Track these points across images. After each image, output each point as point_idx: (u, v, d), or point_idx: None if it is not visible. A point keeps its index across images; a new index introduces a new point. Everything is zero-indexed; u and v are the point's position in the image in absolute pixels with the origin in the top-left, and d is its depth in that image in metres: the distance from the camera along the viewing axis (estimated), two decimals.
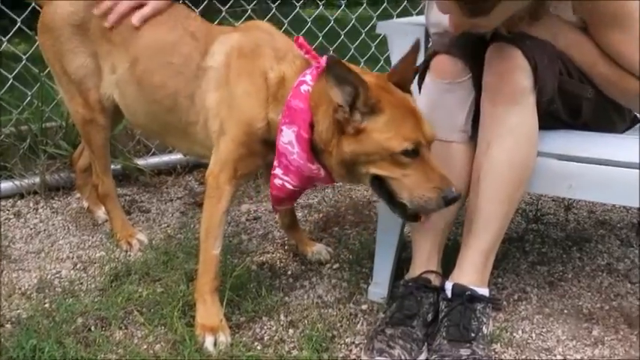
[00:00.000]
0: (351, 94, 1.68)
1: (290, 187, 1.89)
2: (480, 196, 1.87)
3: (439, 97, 1.93)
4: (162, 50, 2.13)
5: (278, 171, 1.87)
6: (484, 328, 1.82)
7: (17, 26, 2.87)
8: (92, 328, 1.97)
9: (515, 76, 1.79)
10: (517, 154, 1.83)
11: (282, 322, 2.04)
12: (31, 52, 2.94)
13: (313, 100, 1.78)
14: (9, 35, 3.00)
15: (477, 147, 1.88)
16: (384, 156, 1.70)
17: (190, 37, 2.11)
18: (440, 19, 1.98)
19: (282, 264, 2.42)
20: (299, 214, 2.74)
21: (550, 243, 2.58)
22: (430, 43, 2.24)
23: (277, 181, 1.88)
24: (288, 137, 1.81)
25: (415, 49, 1.80)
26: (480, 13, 1.66)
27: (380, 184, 1.76)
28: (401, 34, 2.12)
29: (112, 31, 2.20)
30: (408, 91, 1.83)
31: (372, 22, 3.99)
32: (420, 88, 2.01)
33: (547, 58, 1.83)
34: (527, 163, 1.85)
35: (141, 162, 3.17)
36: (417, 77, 2.01)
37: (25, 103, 3.05)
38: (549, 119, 1.86)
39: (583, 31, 1.90)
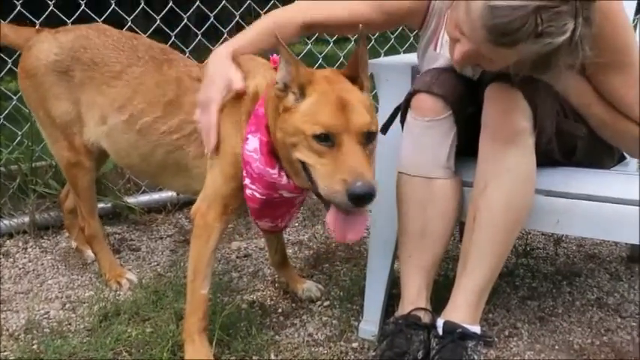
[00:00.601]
0: (289, 73, 1.70)
1: (258, 195, 1.87)
2: (475, 235, 1.87)
3: (421, 134, 1.95)
4: (172, 101, 2.12)
5: (247, 181, 1.87)
6: None
7: (8, 67, 2.88)
8: None
9: (515, 117, 1.80)
10: (515, 196, 1.84)
11: None
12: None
13: (266, 101, 1.82)
14: (1, 74, 3.01)
15: (474, 185, 1.89)
16: (301, 139, 1.66)
17: (188, 77, 2.13)
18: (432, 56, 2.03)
19: (272, 302, 2.41)
20: (289, 251, 2.74)
21: (540, 277, 2.58)
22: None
23: (248, 192, 1.88)
24: (253, 145, 1.82)
25: (363, 42, 1.79)
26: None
27: (308, 172, 1.71)
28: (388, 73, 2.15)
29: (102, 81, 2.21)
30: (361, 85, 1.78)
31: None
32: (402, 126, 2.02)
33: (546, 99, 1.85)
34: (524, 204, 1.86)
35: (131, 200, 3.18)
36: (399, 115, 2.04)
37: (15, 143, 3.06)
38: (542, 158, 1.88)
39: (579, 73, 1.92)
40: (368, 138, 1.67)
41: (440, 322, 1.87)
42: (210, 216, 1.96)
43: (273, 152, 1.81)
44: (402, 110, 2.01)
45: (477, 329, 1.88)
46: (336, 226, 1.66)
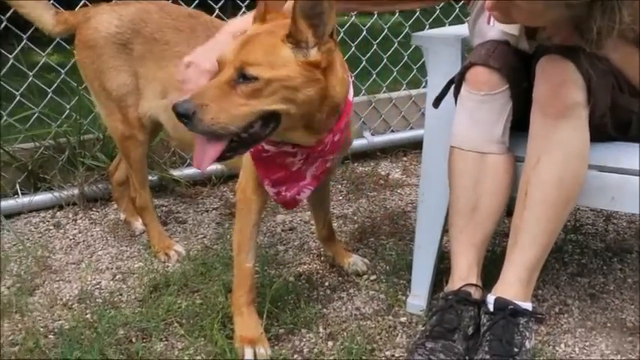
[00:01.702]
0: None
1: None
2: (527, 211, 1.84)
3: (475, 108, 1.91)
4: None
5: None
6: (527, 342, 1.79)
7: (56, 41, 2.90)
8: (133, 340, 1.99)
9: (568, 90, 1.76)
10: (567, 171, 1.80)
11: (321, 335, 2.04)
12: (70, 65, 2.98)
13: None
14: (49, 49, 3.04)
15: (526, 161, 1.86)
16: None
17: None
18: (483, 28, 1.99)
19: (319, 275, 2.42)
20: (334, 225, 2.74)
21: (590, 254, 2.54)
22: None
23: None
24: None
25: None
26: None
27: None
28: (437, 46, 2.11)
29: (163, 57, 2.24)
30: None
31: (405, 31, 3.97)
32: (455, 100, 2.00)
33: (601, 73, 1.81)
34: (577, 180, 1.82)
35: (177, 173, 3.20)
36: (452, 88, 2.01)
37: (63, 116, 3.10)
38: (595, 132, 1.83)
39: (636, 46, 1.87)
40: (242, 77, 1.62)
41: (491, 299, 1.86)
42: (249, 190, 1.99)
43: None
44: (455, 83, 1.98)
45: (528, 306, 1.86)
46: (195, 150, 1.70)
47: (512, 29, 1.96)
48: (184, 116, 1.59)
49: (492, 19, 1.97)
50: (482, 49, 1.93)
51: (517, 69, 1.90)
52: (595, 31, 1.63)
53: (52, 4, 2.53)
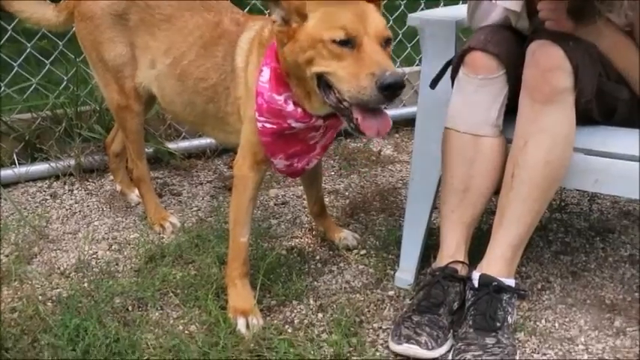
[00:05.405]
0: (282, 8, 1.74)
1: (269, 125, 1.90)
2: (513, 191, 1.91)
3: (472, 92, 1.96)
4: (206, 44, 2.17)
5: (257, 115, 1.91)
6: (509, 317, 1.88)
7: None
8: (130, 309, 2.05)
9: (555, 76, 1.82)
10: (553, 154, 1.86)
11: (311, 307, 2.11)
12: (68, 36, 3.00)
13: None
14: None
15: (513, 142, 1.92)
16: (319, 49, 1.69)
17: (229, 31, 2.16)
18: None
19: (310, 249, 2.48)
20: (325, 200, 2.80)
21: (574, 233, 2.62)
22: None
23: (259, 125, 1.91)
24: (266, 75, 1.87)
25: None
26: None
27: (327, 86, 1.74)
28: (433, 28, 2.15)
29: (154, 24, 2.26)
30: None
31: (400, 9, 3.99)
32: (452, 82, 2.04)
33: (589, 60, 1.85)
34: (562, 163, 1.89)
35: (172, 146, 3.24)
36: (450, 70, 2.05)
37: (61, 87, 3.13)
38: (581, 117, 1.89)
39: (626, 34, 1.91)
40: (386, 42, 1.71)
41: (476, 275, 1.93)
42: (245, 166, 2.03)
43: (280, 79, 1.85)
44: (453, 66, 2.02)
45: (511, 282, 1.93)
46: (364, 123, 1.69)
47: (515, 5, 1.99)
48: (403, 85, 1.61)
49: None
50: (482, 34, 1.97)
51: (515, 54, 1.94)
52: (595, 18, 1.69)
53: None
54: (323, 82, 1.74)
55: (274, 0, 1.74)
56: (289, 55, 1.76)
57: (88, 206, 2.82)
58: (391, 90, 1.59)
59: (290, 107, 1.86)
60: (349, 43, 1.66)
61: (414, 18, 2.20)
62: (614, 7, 1.85)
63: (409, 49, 4.11)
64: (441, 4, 4.01)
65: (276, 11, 1.76)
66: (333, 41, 1.66)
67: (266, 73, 1.87)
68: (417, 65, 4.06)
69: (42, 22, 2.50)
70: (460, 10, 2.31)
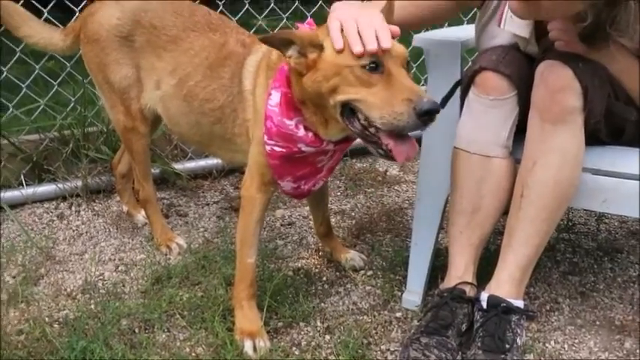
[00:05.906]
0: (297, 47, 1.72)
1: (278, 149, 1.89)
2: (521, 212, 1.90)
3: (483, 112, 1.96)
4: (213, 65, 2.17)
5: (265, 138, 1.90)
6: (518, 339, 1.86)
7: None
8: (136, 330, 2.04)
9: (565, 96, 1.82)
10: (562, 174, 1.86)
11: (318, 328, 2.10)
12: (75, 58, 3.01)
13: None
14: None
15: (522, 163, 1.91)
16: (346, 76, 1.66)
17: (235, 42, 2.17)
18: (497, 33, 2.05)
19: (317, 270, 2.47)
20: (332, 221, 2.80)
21: (581, 253, 2.60)
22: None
23: (267, 148, 1.90)
24: (275, 99, 1.86)
25: None
26: None
27: (351, 114, 1.71)
28: (439, 48, 2.16)
29: (159, 45, 2.27)
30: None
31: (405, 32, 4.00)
32: (462, 102, 2.04)
33: (598, 81, 1.85)
34: (571, 183, 1.88)
35: (178, 166, 3.25)
36: (458, 90, 2.06)
37: (68, 109, 3.15)
38: (588, 137, 1.89)
39: (636, 58, 1.92)
40: (408, 65, 1.72)
41: (484, 296, 1.92)
42: (253, 187, 2.03)
43: (291, 104, 1.84)
44: (463, 86, 2.03)
45: (520, 304, 1.92)
46: (396, 148, 1.67)
47: (523, 31, 2.00)
48: (438, 111, 1.62)
49: (503, 21, 2.00)
50: (493, 54, 1.97)
51: (525, 75, 1.94)
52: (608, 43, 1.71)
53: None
54: (347, 109, 1.71)
55: (288, 43, 1.72)
56: (310, 85, 1.73)
57: (94, 227, 2.82)
58: (429, 115, 1.59)
59: (301, 132, 1.85)
60: (378, 68, 1.65)
61: (420, 39, 2.21)
62: (626, 33, 1.85)
63: (414, 69, 4.12)
64: (446, 24, 4.02)
65: (291, 48, 1.74)
66: (363, 67, 1.65)
67: (275, 97, 1.87)
68: (423, 85, 4.06)
69: (49, 46, 2.53)
70: (465, 31, 2.32)
